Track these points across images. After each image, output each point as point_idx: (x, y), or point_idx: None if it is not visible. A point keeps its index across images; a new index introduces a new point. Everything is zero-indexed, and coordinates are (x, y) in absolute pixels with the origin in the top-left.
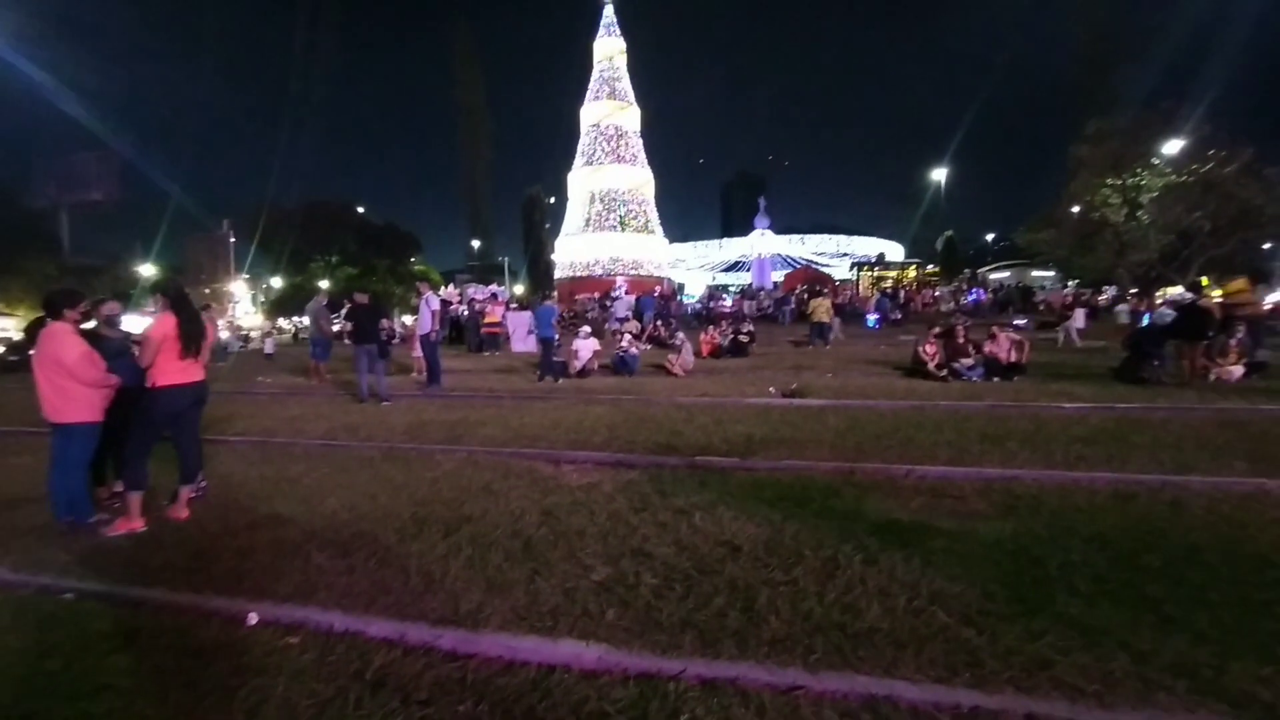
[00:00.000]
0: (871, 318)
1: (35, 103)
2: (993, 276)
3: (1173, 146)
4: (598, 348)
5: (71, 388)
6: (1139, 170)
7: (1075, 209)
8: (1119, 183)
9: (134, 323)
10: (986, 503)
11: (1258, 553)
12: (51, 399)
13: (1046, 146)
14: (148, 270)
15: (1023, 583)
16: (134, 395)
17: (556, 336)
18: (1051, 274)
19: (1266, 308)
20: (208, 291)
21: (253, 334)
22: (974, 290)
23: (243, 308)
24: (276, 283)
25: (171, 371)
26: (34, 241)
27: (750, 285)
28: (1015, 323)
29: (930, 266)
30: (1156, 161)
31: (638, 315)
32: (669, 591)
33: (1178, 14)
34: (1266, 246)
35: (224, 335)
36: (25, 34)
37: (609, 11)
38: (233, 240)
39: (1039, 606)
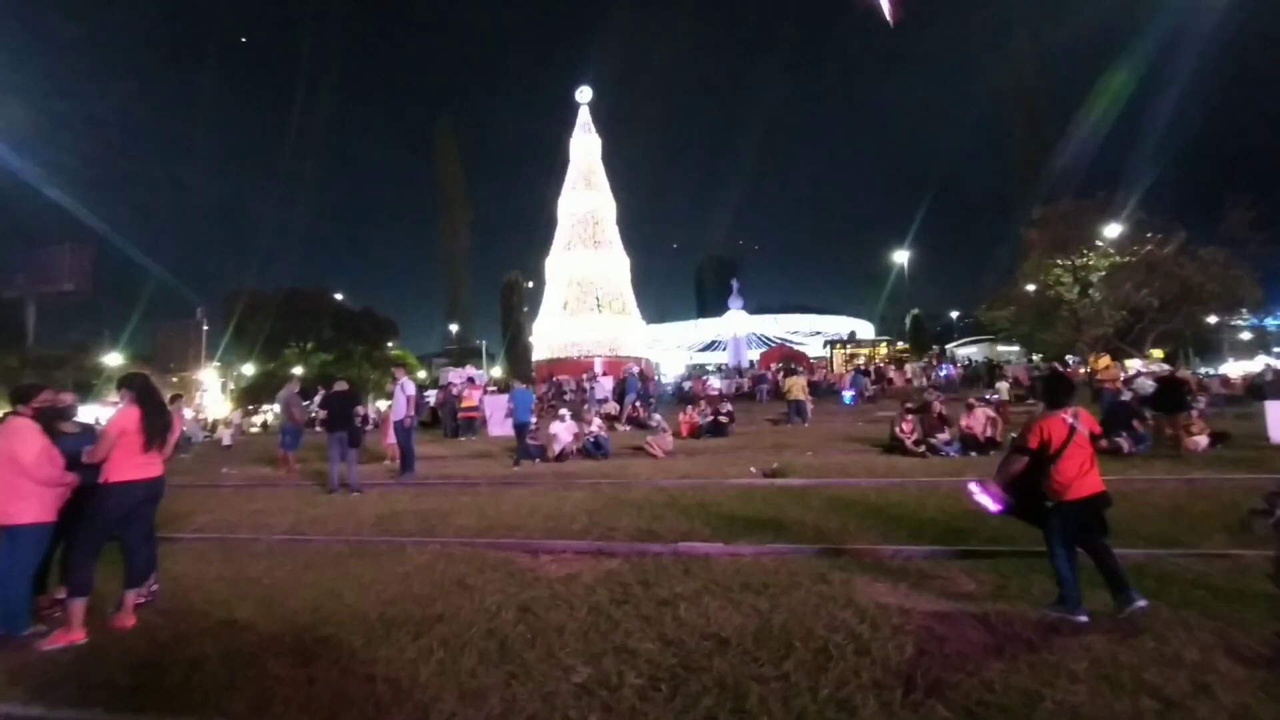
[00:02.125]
0: (847, 394)
1: (10, 189)
2: (960, 352)
3: (1112, 230)
4: (577, 430)
5: (24, 485)
6: (1085, 251)
7: (1031, 287)
8: (1068, 263)
9: (96, 413)
10: (975, 583)
11: (1254, 629)
12: (1, 498)
13: (1003, 226)
14: (114, 360)
15: (1020, 669)
16: (86, 493)
17: (534, 421)
18: (1016, 349)
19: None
20: (175, 380)
21: (220, 425)
22: (944, 365)
23: (211, 396)
24: (248, 370)
25: (128, 467)
26: None
27: (728, 365)
28: (987, 396)
29: (900, 344)
30: (1100, 244)
31: (619, 397)
32: (654, 692)
33: (1112, 104)
34: (1211, 320)
35: (187, 427)
36: (7, 123)
37: (584, 112)
38: (205, 328)
39: (1040, 695)
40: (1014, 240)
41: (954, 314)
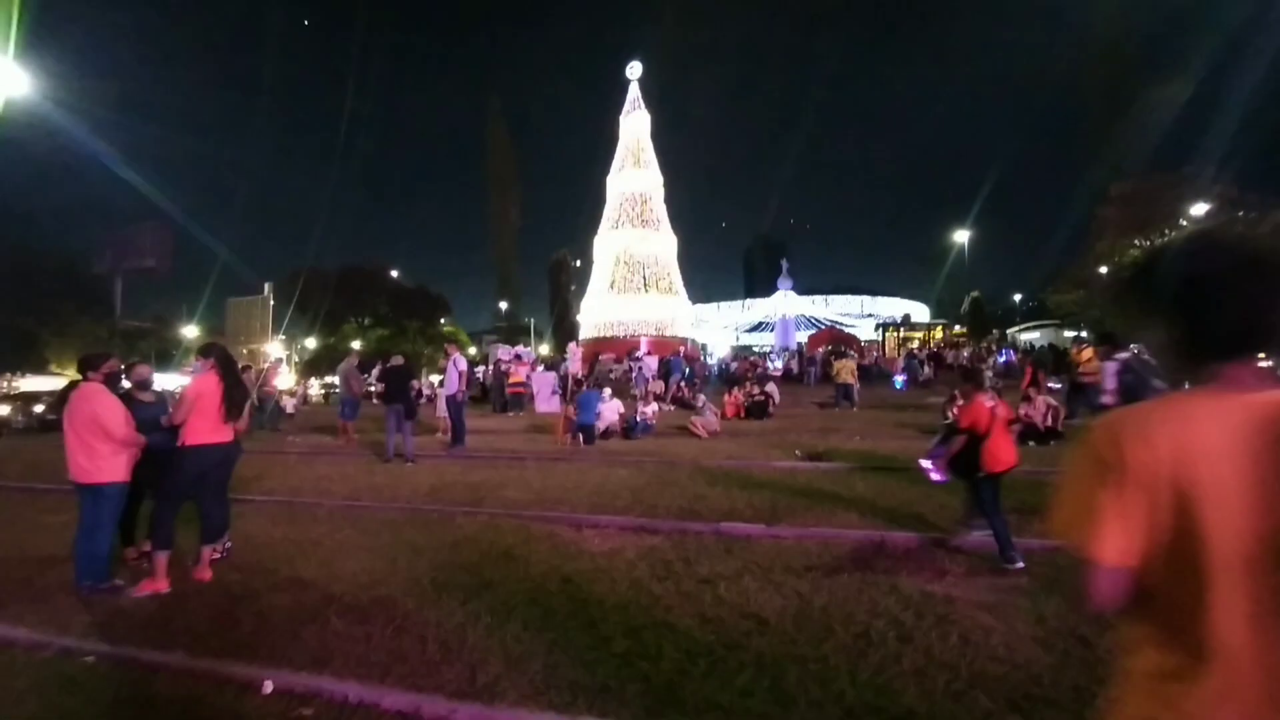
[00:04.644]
0: (899, 379)
1: (94, 172)
2: (1022, 337)
3: (1199, 208)
4: (621, 410)
5: (102, 447)
6: (1166, 231)
7: (1103, 269)
8: (1147, 243)
9: (173, 382)
10: (1028, 575)
11: None
12: (80, 459)
13: (1073, 205)
14: (191, 332)
15: (1071, 664)
16: (167, 456)
17: (598, 425)
18: (1083, 334)
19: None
20: (245, 352)
21: (285, 395)
22: (1004, 350)
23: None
24: (310, 343)
25: (203, 431)
26: (89, 306)
27: (775, 346)
28: (1049, 385)
29: (957, 327)
30: (1184, 223)
31: (664, 376)
32: (692, 667)
33: (1196, 72)
34: None
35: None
36: (88, 109)
37: (634, 88)
38: (271, 303)
39: (1090, 692)
40: (1085, 219)
41: (1017, 297)
